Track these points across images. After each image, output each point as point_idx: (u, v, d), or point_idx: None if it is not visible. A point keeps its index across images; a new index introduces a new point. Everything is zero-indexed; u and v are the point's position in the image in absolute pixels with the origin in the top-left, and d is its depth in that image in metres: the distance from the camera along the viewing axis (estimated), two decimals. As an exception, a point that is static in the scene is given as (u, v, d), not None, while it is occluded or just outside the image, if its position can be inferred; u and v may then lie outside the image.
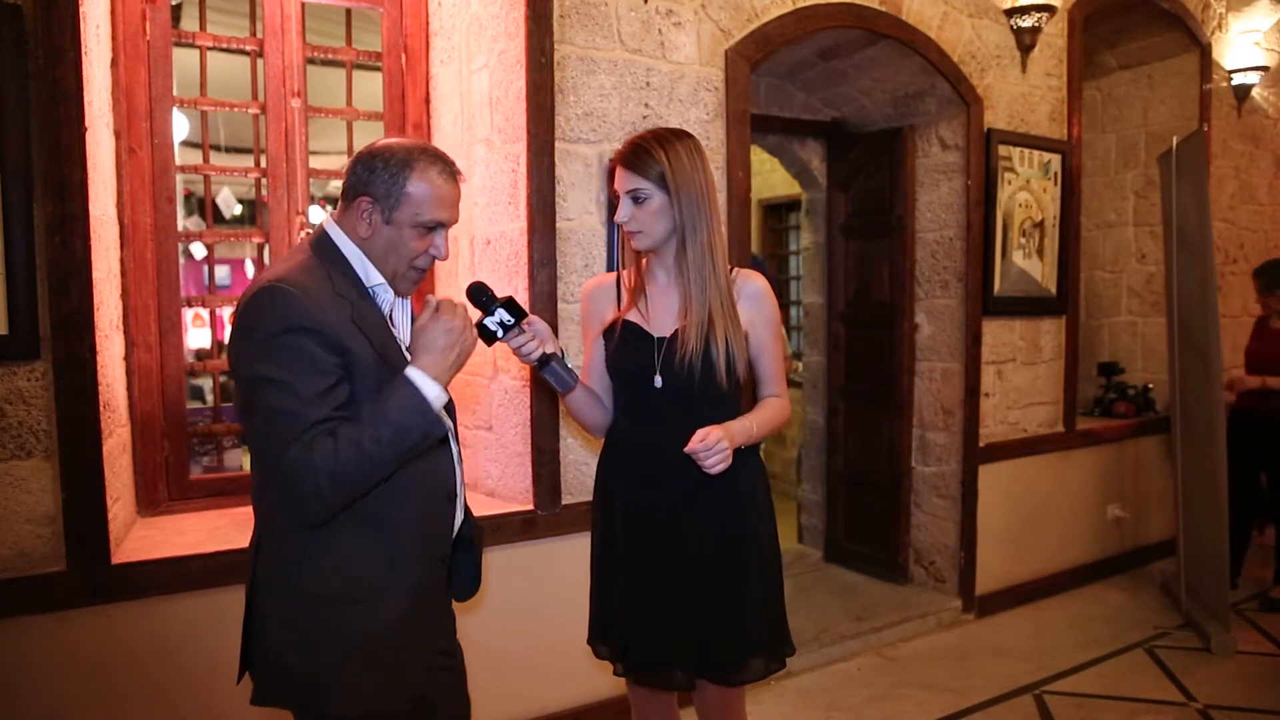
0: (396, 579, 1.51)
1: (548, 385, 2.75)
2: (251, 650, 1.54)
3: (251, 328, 1.38)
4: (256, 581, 1.52)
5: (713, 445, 1.71)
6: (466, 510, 1.77)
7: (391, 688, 1.52)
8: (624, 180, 1.84)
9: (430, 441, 1.46)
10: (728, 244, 2.38)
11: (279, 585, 1.49)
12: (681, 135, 1.85)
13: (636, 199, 1.82)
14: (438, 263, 1.67)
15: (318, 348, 1.37)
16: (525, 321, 1.75)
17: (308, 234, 2.81)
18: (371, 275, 1.53)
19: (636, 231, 1.85)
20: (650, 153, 1.81)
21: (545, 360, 1.80)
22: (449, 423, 1.49)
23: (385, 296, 1.56)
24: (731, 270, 1.91)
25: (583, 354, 2.05)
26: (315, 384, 1.36)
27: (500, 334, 1.72)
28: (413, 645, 1.56)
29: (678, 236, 1.83)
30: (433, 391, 1.42)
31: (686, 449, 1.72)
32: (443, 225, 1.54)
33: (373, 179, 1.48)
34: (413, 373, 1.42)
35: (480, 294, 1.73)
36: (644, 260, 1.95)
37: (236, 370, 1.42)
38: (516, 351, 1.78)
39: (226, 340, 1.52)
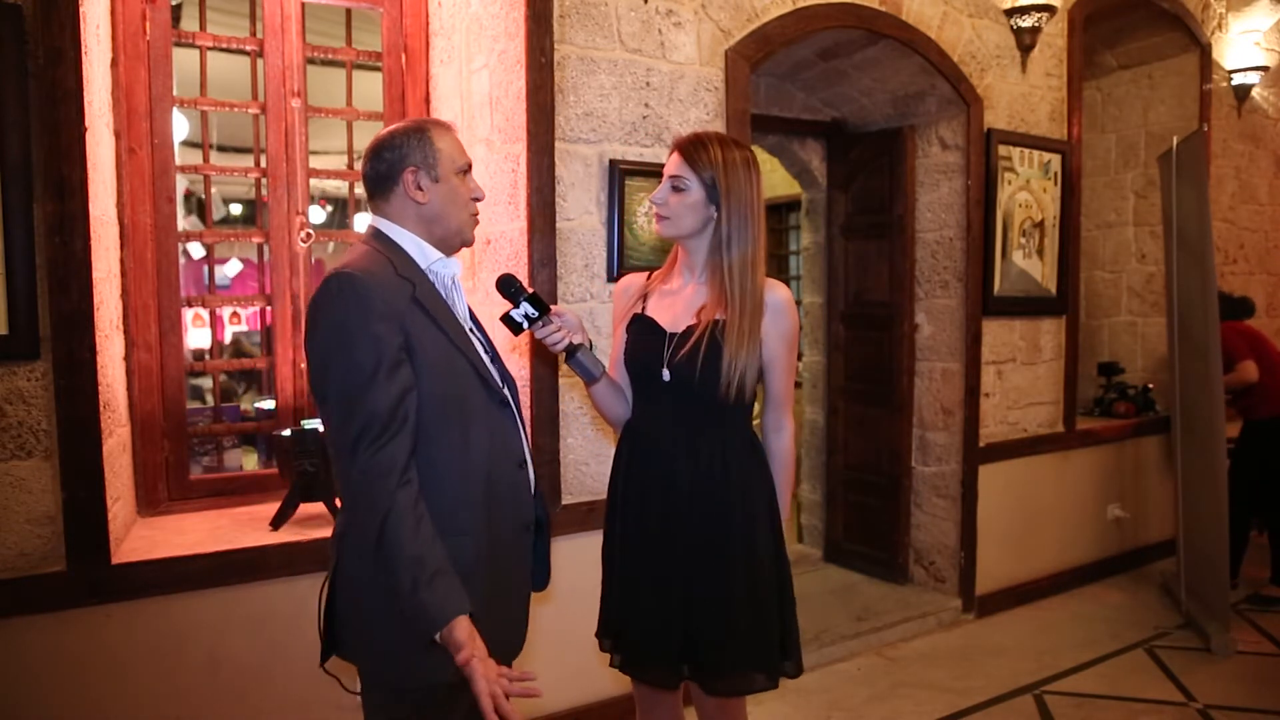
0: (482, 554, 1.56)
1: (549, 385, 2.77)
2: (336, 634, 1.60)
3: (322, 314, 1.48)
4: (340, 568, 1.58)
5: None
6: (536, 487, 1.79)
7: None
8: (674, 166, 1.87)
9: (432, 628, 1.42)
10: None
11: (367, 570, 1.51)
12: (743, 146, 1.90)
13: (676, 187, 1.86)
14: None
15: (382, 328, 1.45)
16: (554, 313, 1.81)
17: (308, 234, 2.82)
18: (428, 254, 1.62)
19: (665, 217, 1.88)
20: (708, 150, 1.84)
21: (572, 350, 1.84)
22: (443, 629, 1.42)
23: (443, 273, 1.64)
24: None
25: (611, 348, 2.09)
26: (384, 362, 1.44)
27: (526, 324, 1.80)
28: (499, 615, 1.60)
29: (716, 240, 1.85)
30: (444, 631, 1.41)
31: None
32: (470, 167, 1.68)
33: (406, 153, 1.59)
34: (455, 624, 1.41)
35: (509, 285, 1.80)
36: (676, 260, 1.97)
37: (311, 356, 1.50)
38: (543, 341, 1.83)
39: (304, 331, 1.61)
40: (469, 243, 1.70)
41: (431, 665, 1.49)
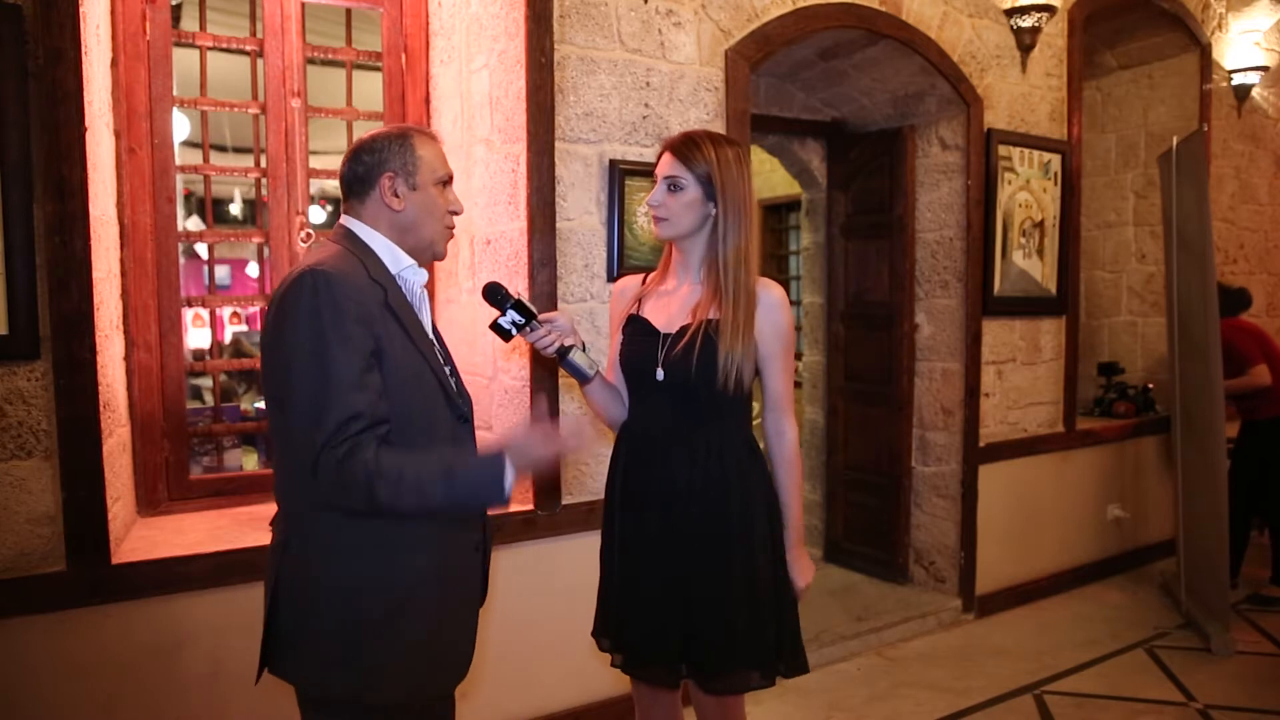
0: (434, 572, 1.54)
1: (549, 386, 2.77)
2: (274, 649, 1.52)
3: (292, 310, 1.41)
4: (283, 579, 1.50)
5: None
6: None
7: (432, 677, 1.55)
8: (667, 166, 1.87)
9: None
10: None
11: (313, 582, 1.48)
12: (732, 141, 1.90)
13: (672, 187, 1.85)
14: (438, 263, 1.69)
15: (357, 330, 1.41)
16: (544, 318, 1.81)
17: (308, 234, 2.82)
18: (400, 260, 1.59)
19: (663, 219, 1.87)
20: (701, 148, 1.84)
21: (563, 352, 1.84)
22: (510, 479, 1.49)
23: (414, 279, 1.61)
24: None
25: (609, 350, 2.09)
26: (356, 365, 1.40)
27: (514, 331, 1.80)
28: (449, 634, 1.60)
29: (714, 237, 1.85)
30: (510, 483, 1.48)
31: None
32: (451, 179, 1.66)
33: (386, 158, 1.56)
34: (509, 469, 1.46)
35: (495, 293, 1.79)
36: (671, 260, 1.97)
37: (272, 353, 1.45)
38: (534, 345, 1.82)
39: (261, 326, 1.54)
40: (440, 256, 1.66)
41: (381, 682, 1.47)
